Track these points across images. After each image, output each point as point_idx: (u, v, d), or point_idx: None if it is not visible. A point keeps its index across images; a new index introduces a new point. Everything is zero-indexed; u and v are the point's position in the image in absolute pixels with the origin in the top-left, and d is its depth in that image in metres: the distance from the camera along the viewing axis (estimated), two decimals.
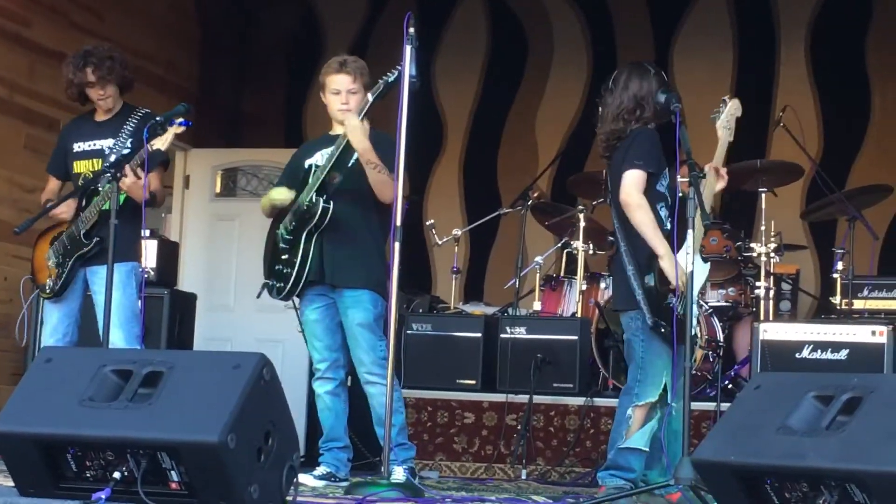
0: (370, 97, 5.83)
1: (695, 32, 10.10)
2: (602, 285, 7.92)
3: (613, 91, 5.70)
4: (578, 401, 7.28)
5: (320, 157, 6.01)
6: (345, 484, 5.67)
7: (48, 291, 6.28)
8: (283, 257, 5.99)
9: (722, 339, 7.28)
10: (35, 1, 8.40)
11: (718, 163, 5.65)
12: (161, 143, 5.96)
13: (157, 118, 6.00)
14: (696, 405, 6.35)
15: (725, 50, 10.03)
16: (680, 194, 5.59)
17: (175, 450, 4.02)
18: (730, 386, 7.24)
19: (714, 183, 5.60)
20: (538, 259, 8.10)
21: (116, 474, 4.09)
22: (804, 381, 4.15)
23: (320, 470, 5.99)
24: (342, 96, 5.98)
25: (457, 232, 8.54)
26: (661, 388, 5.46)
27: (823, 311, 8.29)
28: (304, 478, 5.62)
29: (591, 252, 8.04)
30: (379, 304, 5.94)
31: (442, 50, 10.57)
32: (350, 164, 5.94)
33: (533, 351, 7.35)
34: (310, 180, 5.93)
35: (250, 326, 8.88)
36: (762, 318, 7.41)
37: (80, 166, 6.36)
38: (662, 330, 5.35)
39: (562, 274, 8.28)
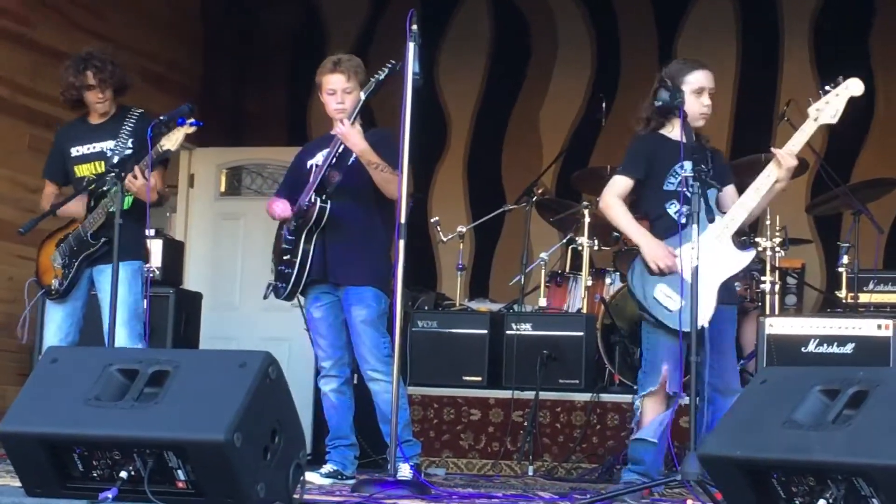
0: (362, 96, 5.86)
1: (698, 28, 10.09)
2: (607, 281, 7.93)
3: None
4: (584, 397, 7.28)
5: (321, 157, 6.02)
6: (351, 482, 5.67)
7: (54, 292, 6.30)
8: (286, 257, 5.99)
9: None
10: (37, 1, 8.41)
11: (791, 147, 5.49)
12: (171, 143, 5.99)
13: (161, 118, 6.03)
14: None
15: (729, 45, 10.03)
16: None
17: (181, 449, 4.02)
18: None
19: (776, 171, 5.48)
20: (543, 255, 8.10)
21: (123, 473, 4.08)
22: (810, 375, 4.14)
23: (327, 468, 5.99)
24: (337, 96, 5.98)
25: (462, 229, 8.53)
26: (659, 377, 5.48)
27: (829, 305, 8.28)
28: (310, 476, 5.60)
29: (595, 248, 8.04)
30: (383, 300, 5.94)
31: (445, 47, 10.58)
32: (350, 163, 5.94)
33: (539, 347, 7.36)
34: (310, 180, 5.94)
35: (256, 325, 8.88)
36: (768, 312, 7.40)
37: (83, 170, 6.38)
38: (648, 318, 5.48)
39: (567, 270, 8.28)
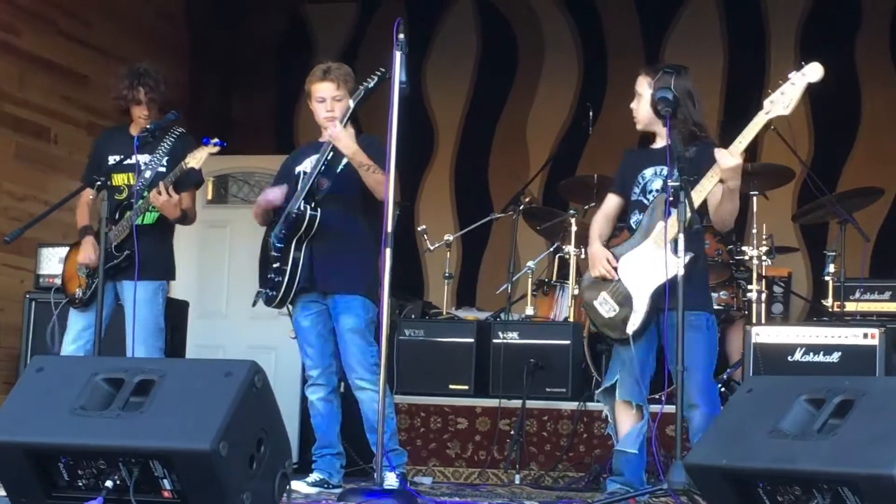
0: (351, 103, 5.87)
1: (685, 35, 10.10)
2: None
3: None
4: (571, 405, 7.28)
5: (309, 164, 6.02)
6: (338, 490, 5.67)
7: (77, 301, 6.44)
8: (275, 265, 5.98)
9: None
10: (23, 9, 8.40)
11: (735, 147, 5.32)
12: (195, 161, 6.18)
13: (149, 126, 6.31)
14: None
15: (716, 53, 10.04)
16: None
17: (167, 458, 4.02)
18: (722, 389, 7.23)
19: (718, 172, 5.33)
20: (530, 264, 8.10)
21: (109, 483, 4.08)
22: (796, 385, 4.15)
23: (313, 477, 5.98)
24: (327, 104, 5.99)
25: (448, 237, 8.52)
26: (611, 380, 5.64)
27: (815, 314, 8.27)
28: (297, 485, 5.60)
29: (582, 256, 8.01)
30: (370, 309, 5.93)
31: (432, 55, 10.58)
32: (339, 170, 5.94)
33: (525, 356, 7.35)
34: (298, 187, 5.94)
35: (243, 333, 8.86)
36: (754, 321, 7.40)
37: (118, 179, 6.48)
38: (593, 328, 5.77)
39: (554, 278, 8.28)
